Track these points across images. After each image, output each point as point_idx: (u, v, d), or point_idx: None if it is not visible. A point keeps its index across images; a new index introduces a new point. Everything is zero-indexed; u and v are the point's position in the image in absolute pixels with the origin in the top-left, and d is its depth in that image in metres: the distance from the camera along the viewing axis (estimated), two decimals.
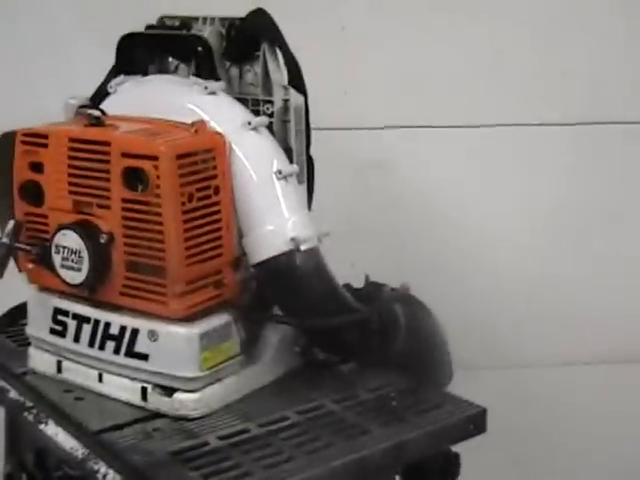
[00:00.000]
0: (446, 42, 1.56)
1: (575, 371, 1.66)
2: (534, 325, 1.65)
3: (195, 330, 0.94)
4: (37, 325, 1.05)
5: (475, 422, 0.98)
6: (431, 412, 0.97)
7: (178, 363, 0.95)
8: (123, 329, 0.97)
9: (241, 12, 1.06)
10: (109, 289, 0.96)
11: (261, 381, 1.02)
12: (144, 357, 0.96)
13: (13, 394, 1.03)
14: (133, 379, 0.98)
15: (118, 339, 0.98)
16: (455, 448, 1.01)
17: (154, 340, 0.95)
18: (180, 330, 0.94)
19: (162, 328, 0.95)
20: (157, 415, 0.96)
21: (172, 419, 0.95)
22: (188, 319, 0.94)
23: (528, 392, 1.62)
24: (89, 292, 0.97)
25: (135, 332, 0.96)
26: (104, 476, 0.87)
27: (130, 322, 0.97)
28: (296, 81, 1.05)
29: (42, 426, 0.96)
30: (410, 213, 1.60)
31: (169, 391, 0.96)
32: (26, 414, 0.99)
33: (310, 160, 1.08)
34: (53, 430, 0.95)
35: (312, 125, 1.06)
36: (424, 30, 1.55)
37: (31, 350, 1.07)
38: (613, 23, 1.61)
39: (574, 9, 1.58)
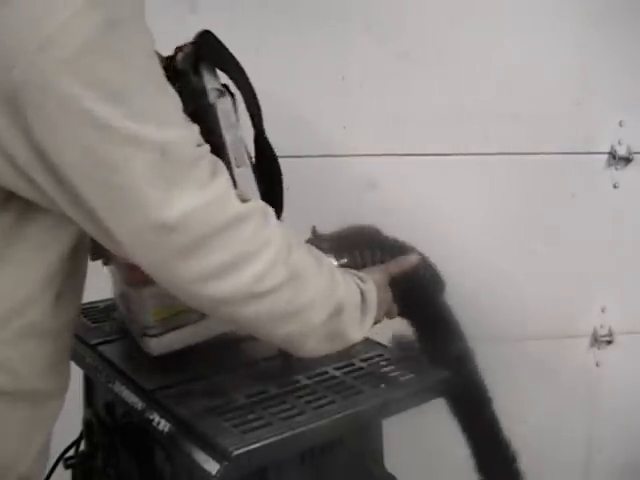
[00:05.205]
0: (425, 89, 1.55)
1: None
2: (489, 307, 1.64)
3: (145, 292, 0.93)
4: None
5: (444, 384, 0.97)
6: (411, 376, 0.96)
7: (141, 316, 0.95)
8: None
9: None
10: None
11: (217, 330, 0.98)
12: None
13: (89, 360, 1.03)
14: None
15: None
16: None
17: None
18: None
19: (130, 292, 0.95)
20: (196, 378, 0.94)
21: (208, 382, 0.93)
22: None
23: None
24: None
25: None
26: (157, 424, 0.86)
27: None
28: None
29: (110, 385, 0.96)
30: (394, 220, 1.58)
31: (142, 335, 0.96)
32: (99, 375, 0.99)
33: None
34: (119, 388, 0.95)
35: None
36: (407, 79, 1.54)
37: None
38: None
39: (522, 64, 1.57)
